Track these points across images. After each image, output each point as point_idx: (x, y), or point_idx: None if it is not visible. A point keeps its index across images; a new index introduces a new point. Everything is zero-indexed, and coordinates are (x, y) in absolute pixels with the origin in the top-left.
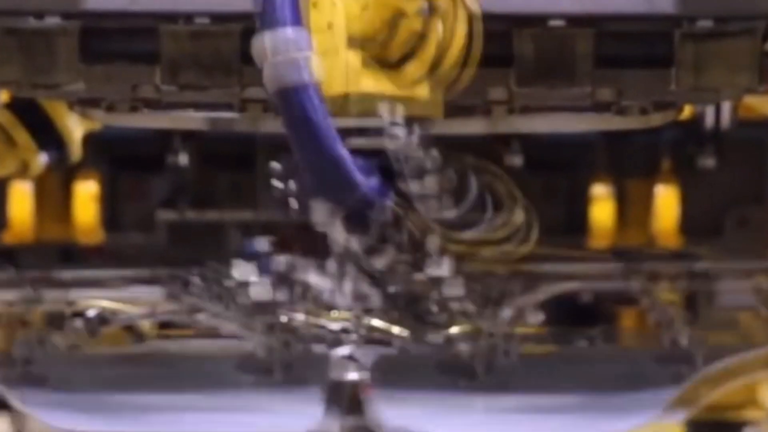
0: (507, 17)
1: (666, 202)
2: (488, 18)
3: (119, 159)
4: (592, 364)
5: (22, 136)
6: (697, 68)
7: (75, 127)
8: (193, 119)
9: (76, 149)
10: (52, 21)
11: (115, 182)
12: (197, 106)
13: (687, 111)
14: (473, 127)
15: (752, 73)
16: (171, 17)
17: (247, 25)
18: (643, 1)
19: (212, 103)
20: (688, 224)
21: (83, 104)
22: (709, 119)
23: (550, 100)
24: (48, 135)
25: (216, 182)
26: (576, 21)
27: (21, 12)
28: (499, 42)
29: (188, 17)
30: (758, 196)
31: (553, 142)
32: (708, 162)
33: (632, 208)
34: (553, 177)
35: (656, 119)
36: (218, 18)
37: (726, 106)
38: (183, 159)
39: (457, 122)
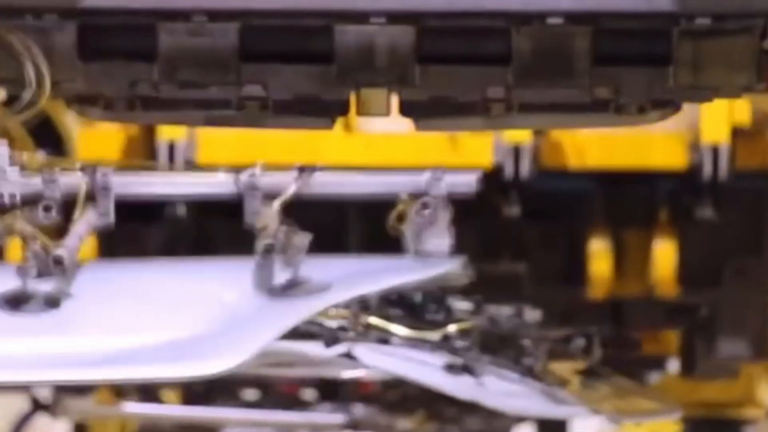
0: (504, 14)
1: (664, 253)
2: (485, 15)
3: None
4: None
5: (20, 133)
6: (696, 66)
7: (72, 125)
8: (190, 116)
9: (73, 146)
10: (50, 18)
11: (112, 232)
12: (196, 103)
13: (685, 162)
14: (471, 125)
15: (751, 72)
16: (169, 15)
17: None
18: None
19: (210, 100)
20: (686, 275)
21: (81, 102)
22: (707, 170)
23: (548, 98)
24: (45, 132)
25: (212, 230)
26: (574, 18)
27: (20, 10)
28: (496, 40)
29: (186, 14)
30: (756, 247)
31: (550, 192)
32: (706, 213)
33: (630, 259)
34: (551, 227)
35: (654, 117)
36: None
37: (724, 157)
38: (181, 209)
39: (455, 120)
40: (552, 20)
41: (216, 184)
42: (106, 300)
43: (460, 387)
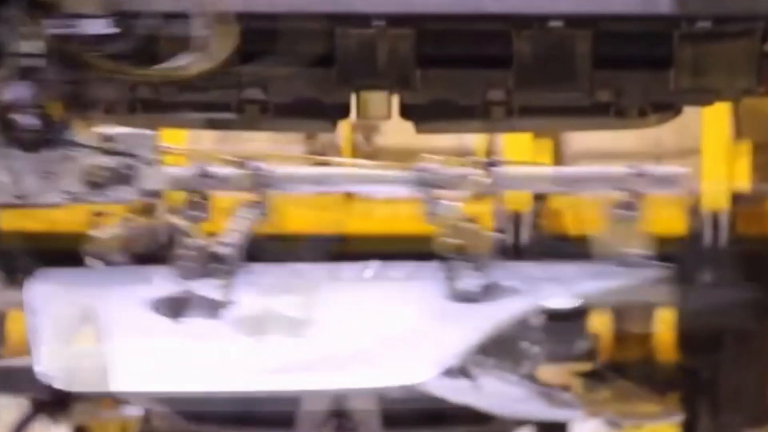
0: (504, 18)
1: (664, 318)
2: (486, 18)
3: None
4: None
5: None
6: (696, 69)
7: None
8: (190, 120)
9: None
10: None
11: None
12: (195, 106)
13: (685, 228)
14: (471, 128)
15: (751, 75)
16: None
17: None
18: (641, 1)
19: (210, 103)
20: (686, 340)
21: (82, 105)
22: (707, 236)
23: (549, 102)
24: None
25: None
26: (574, 22)
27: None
28: (497, 43)
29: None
30: (756, 313)
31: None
32: (706, 278)
33: (632, 322)
34: None
35: (654, 121)
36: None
37: (724, 224)
38: None
39: (455, 123)
40: (552, 23)
41: (391, 180)
42: (283, 304)
43: (456, 390)
